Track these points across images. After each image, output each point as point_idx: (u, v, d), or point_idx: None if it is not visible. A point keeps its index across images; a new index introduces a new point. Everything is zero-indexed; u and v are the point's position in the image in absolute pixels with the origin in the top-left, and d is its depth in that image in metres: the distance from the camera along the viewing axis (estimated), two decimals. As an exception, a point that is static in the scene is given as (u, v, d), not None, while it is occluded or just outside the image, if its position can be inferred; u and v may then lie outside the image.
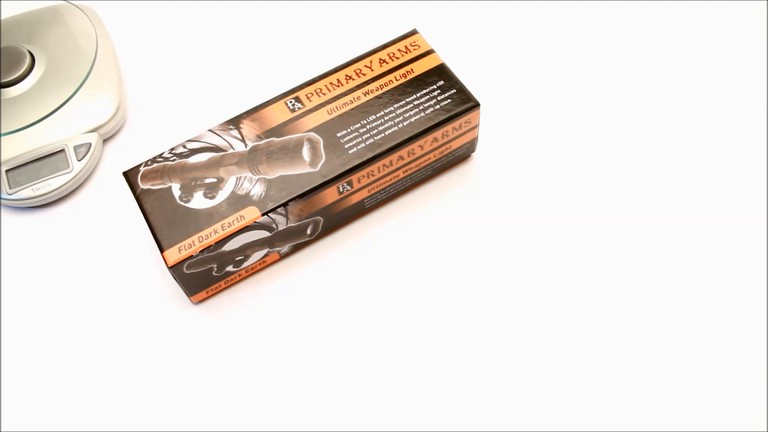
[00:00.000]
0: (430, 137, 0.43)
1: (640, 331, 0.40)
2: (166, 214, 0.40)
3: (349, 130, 0.42)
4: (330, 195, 0.42)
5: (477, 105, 0.43)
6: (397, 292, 0.43)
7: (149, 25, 0.57)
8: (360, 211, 0.45)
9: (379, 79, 0.44)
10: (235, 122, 0.43)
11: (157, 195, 0.41)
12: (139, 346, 0.42)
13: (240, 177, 0.41)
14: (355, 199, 0.43)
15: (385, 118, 0.42)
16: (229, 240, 0.40)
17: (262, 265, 0.44)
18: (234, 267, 0.42)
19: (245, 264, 0.43)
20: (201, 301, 0.44)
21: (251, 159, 0.42)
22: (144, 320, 0.43)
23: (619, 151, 0.47)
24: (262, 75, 0.53)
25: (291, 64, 0.53)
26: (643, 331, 0.40)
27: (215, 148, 0.42)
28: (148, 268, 0.45)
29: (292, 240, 0.43)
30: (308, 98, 0.44)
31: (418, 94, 0.43)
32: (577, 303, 0.42)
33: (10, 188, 0.47)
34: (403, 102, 0.43)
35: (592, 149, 0.47)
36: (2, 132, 0.48)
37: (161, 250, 0.39)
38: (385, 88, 0.44)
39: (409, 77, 0.44)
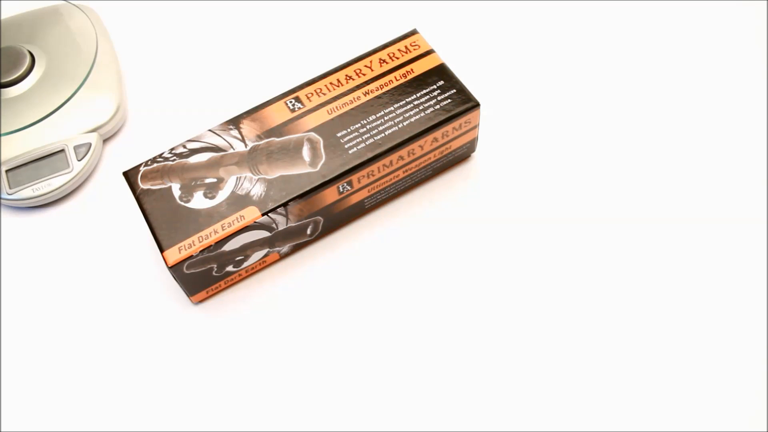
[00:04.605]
0: (430, 137, 0.43)
1: (640, 331, 0.40)
2: (166, 214, 0.40)
3: (349, 130, 0.42)
4: (330, 195, 0.42)
5: (477, 105, 0.43)
6: (398, 292, 0.43)
7: (149, 25, 0.57)
8: (360, 211, 0.45)
9: (379, 79, 0.44)
10: (235, 122, 0.43)
11: (157, 195, 0.41)
12: (139, 346, 0.42)
13: (240, 177, 0.41)
14: (355, 199, 0.43)
15: (385, 118, 0.42)
16: (229, 240, 0.40)
17: (262, 265, 0.44)
18: (234, 267, 0.42)
19: (245, 264, 0.43)
20: (201, 301, 0.44)
21: (251, 159, 0.42)
22: (144, 320, 0.43)
23: (620, 151, 0.47)
24: (262, 75, 0.53)
25: (291, 64, 0.53)
26: (644, 331, 0.41)
27: (215, 148, 0.42)
28: (148, 268, 0.45)
29: (292, 240, 0.43)
30: (308, 98, 0.44)
31: (418, 94, 0.43)
32: (578, 303, 0.42)
33: (10, 188, 0.47)
34: (403, 102, 0.43)
35: (593, 149, 0.47)
36: (2, 132, 0.48)
37: (161, 250, 0.39)
38: (385, 88, 0.44)
39: (409, 77, 0.44)
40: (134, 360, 0.42)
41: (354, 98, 0.43)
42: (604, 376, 0.39)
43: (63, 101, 0.49)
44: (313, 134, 0.42)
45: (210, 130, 0.43)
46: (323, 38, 0.55)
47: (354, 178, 0.42)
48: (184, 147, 0.43)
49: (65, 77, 0.50)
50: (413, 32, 0.46)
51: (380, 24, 0.55)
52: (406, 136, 0.42)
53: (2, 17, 0.55)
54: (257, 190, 0.41)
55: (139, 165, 0.42)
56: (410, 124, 0.42)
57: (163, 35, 0.56)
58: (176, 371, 0.41)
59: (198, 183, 0.41)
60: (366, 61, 0.45)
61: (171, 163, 0.42)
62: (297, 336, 0.42)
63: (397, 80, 0.44)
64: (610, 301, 0.42)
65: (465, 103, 0.43)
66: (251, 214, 0.40)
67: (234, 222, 0.40)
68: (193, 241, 0.39)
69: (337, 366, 0.41)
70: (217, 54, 0.55)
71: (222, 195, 0.41)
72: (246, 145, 0.42)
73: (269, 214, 0.40)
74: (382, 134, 0.42)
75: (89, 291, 0.44)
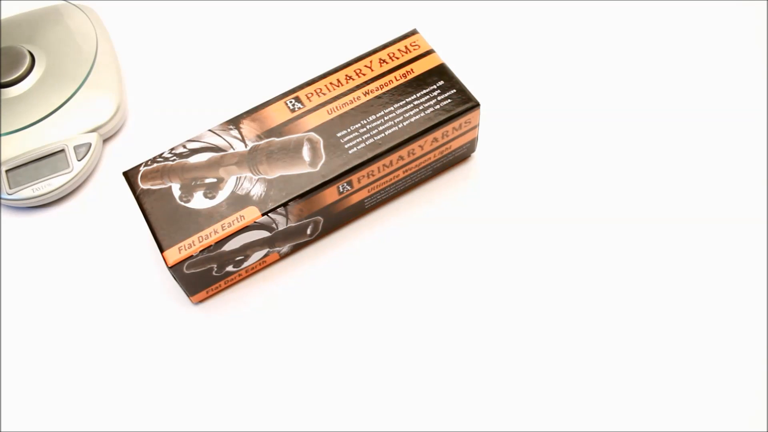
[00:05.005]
0: (430, 137, 0.43)
1: (640, 331, 0.40)
2: (166, 214, 0.40)
3: (349, 130, 0.42)
4: (330, 195, 0.42)
5: (477, 105, 0.43)
6: (398, 292, 0.43)
7: (149, 25, 0.57)
8: (360, 211, 0.45)
9: (379, 79, 0.44)
10: (235, 122, 0.43)
11: (157, 195, 0.41)
12: (139, 346, 0.42)
13: (240, 177, 0.41)
14: (355, 199, 0.43)
15: (385, 118, 0.42)
16: (229, 240, 0.40)
17: (262, 265, 0.44)
18: (234, 267, 0.42)
19: (245, 264, 0.43)
20: (201, 301, 0.44)
21: (251, 159, 0.42)
22: (144, 320, 0.43)
23: (620, 151, 0.47)
24: (262, 75, 0.53)
25: (291, 64, 0.53)
26: (644, 331, 0.41)
27: (215, 148, 0.42)
28: (148, 268, 0.45)
29: (292, 240, 0.43)
30: (308, 98, 0.44)
31: (418, 94, 0.43)
32: (578, 303, 0.42)
33: (10, 188, 0.47)
34: (403, 102, 0.43)
35: (593, 149, 0.47)
36: (2, 132, 0.48)
37: (161, 250, 0.39)
38: (385, 88, 0.44)
39: (409, 77, 0.44)
40: (134, 360, 0.42)
41: (354, 98, 0.43)
42: (604, 376, 0.39)
43: (63, 101, 0.49)
44: (313, 134, 0.42)
45: (210, 130, 0.43)
46: (323, 38, 0.55)
47: (354, 178, 0.42)
48: (184, 147, 0.43)
49: (65, 77, 0.50)
50: (413, 32, 0.46)
51: (380, 24, 0.55)
52: (406, 136, 0.42)
53: (2, 17, 0.55)
54: (257, 190, 0.41)
55: (139, 165, 0.42)
56: (410, 124, 0.42)
57: (163, 35, 0.56)
58: (176, 371, 0.41)
59: (198, 183, 0.41)
60: (366, 61, 0.45)
61: (171, 163, 0.42)
62: (297, 336, 0.42)
63: (397, 80, 0.44)
64: (610, 301, 0.42)
65: (465, 103, 0.43)
66: (251, 214, 0.40)
67: (234, 222, 0.40)
68: (193, 241, 0.39)
69: (337, 366, 0.41)
70: (217, 54, 0.55)
71: (222, 195, 0.41)
72: (246, 145, 0.42)
73: (269, 214, 0.40)
74: (382, 134, 0.42)
75: (89, 291, 0.44)
